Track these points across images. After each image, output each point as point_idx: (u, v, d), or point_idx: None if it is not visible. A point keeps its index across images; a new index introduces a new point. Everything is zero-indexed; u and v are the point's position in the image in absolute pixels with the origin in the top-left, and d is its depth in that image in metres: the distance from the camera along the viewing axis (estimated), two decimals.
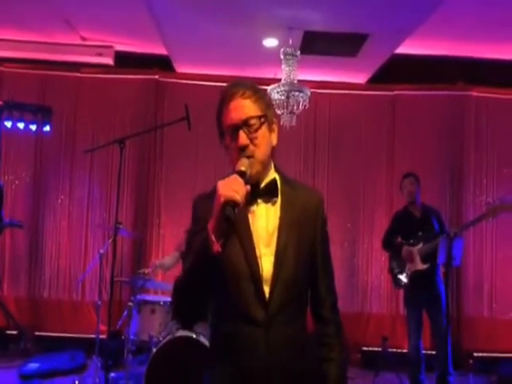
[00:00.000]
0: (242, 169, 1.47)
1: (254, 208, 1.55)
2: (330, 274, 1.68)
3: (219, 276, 1.46)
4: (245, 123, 1.52)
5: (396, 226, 4.66)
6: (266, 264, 1.51)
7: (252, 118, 1.52)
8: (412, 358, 4.44)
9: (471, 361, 5.46)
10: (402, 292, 5.97)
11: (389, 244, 4.69)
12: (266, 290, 1.49)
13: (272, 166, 1.62)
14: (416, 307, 4.45)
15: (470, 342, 5.43)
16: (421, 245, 4.40)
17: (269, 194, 1.57)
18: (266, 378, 1.47)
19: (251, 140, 1.52)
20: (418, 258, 4.42)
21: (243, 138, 1.51)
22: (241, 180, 1.43)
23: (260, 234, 1.54)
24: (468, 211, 5.78)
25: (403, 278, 4.58)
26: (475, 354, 5.57)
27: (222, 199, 1.37)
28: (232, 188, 1.39)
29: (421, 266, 4.41)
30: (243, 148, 1.51)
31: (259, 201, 1.56)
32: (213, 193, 1.57)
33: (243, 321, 1.48)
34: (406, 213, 4.60)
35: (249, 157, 1.51)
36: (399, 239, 4.59)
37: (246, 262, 1.50)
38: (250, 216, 1.54)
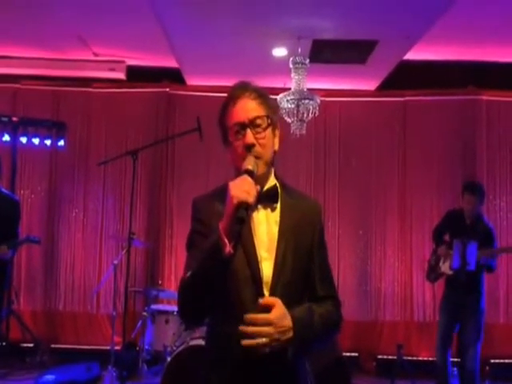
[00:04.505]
0: (250, 167, 1.48)
1: (254, 213, 1.55)
2: (328, 278, 1.67)
3: (223, 271, 1.45)
4: (252, 122, 1.54)
5: (446, 223, 4.57)
6: (266, 268, 1.52)
7: (259, 117, 1.55)
8: (437, 365, 4.36)
9: (488, 367, 5.38)
10: (415, 298, 5.90)
11: (435, 238, 4.62)
12: (266, 293, 1.50)
13: (272, 172, 1.64)
14: (447, 312, 4.34)
15: (487, 348, 5.33)
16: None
17: (269, 199, 1.58)
18: (264, 380, 1.48)
19: (257, 140, 1.54)
20: (448, 262, 4.36)
21: (250, 136, 1.53)
22: (251, 180, 1.43)
23: (261, 239, 1.55)
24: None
25: (433, 274, 4.55)
26: (492, 361, 5.49)
27: (235, 201, 1.38)
28: (244, 189, 1.39)
29: (448, 271, 4.36)
30: (249, 147, 1.53)
31: (259, 206, 1.56)
32: (214, 194, 1.60)
33: (242, 323, 1.46)
34: (459, 215, 4.46)
35: (255, 157, 1.53)
36: (447, 237, 4.51)
37: (247, 265, 1.51)
38: (251, 221, 1.55)
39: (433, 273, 4.56)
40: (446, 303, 4.41)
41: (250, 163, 1.49)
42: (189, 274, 1.48)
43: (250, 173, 1.47)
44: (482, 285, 4.30)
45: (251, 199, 1.39)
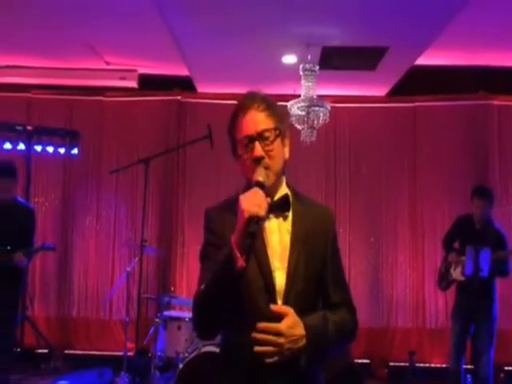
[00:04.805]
0: (260, 179, 1.49)
1: (266, 223, 1.55)
2: (342, 285, 1.68)
3: (236, 284, 1.46)
4: (260, 135, 1.55)
5: (456, 230, 4.56)
6: (279, 277, 1.53)
7: (267, 130, 1.55)
8: (450, 373, 4.34)
9: (502, 375, 5.33)
10: (427, 304, 5.86)
11: (445, 245, 4.61)
12: (279, 302, 1.51)
13: (284, 180, 1.64)
14: (461, 320, 4.33)
15: (501, 355, 5.28)
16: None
17: (281, 208, 1.59)
18: None
19: (266, 152, 1.55)
20: (459, 269, 4.35)
21: (259, 149, 1.54)
22: (262, 193, 1.44)
23: (274, 249, 1.56)
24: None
25: (445, 282, 4.54)
26: (506, 368, 5.45)
27: (246, 215, 1.39)
28: (255, 203, 1.40)
29: (459, 277, 4.34)
30: (259, 160, 1.54)
31: (271, 215, 1.56)
32: (226, 205, 1.62)
33: (255, 332, 1.47)
34: (468, 220, 4.45)
35: (265, 168, 1.54)
36: (457, 244, 4.50)
37: (260, 275, 1.52)
38: (263, 231, 1.55)
39: (444, 280, 4.54)
40: (458, 310, 4.39)
41: (260, 175, 1.50)
42: (202, 287, 1.50)
43: (261, 185, 1.47)
44: (495, 291, 4.27)
45: (262, 213, 1.40)
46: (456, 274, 4.38)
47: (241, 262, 1.40)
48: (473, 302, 4.23)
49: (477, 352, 4.25)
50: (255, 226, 1.38)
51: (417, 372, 4.86)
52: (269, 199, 1.48)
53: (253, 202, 1.41)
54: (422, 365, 5.37)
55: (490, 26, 4.79)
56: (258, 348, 1.41)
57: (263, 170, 1.52)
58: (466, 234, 4.40)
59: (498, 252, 4.17)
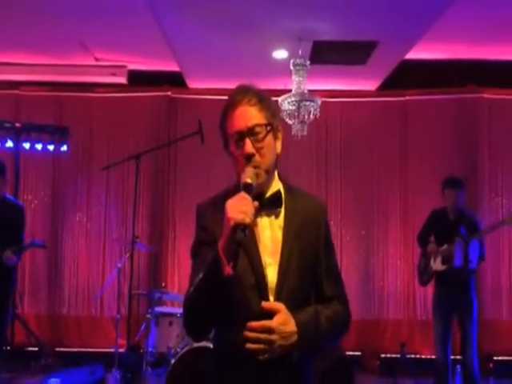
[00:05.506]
0: (248, 181, 1.46)
1: (258, 219, 1.52)
2: (335, 277, 1.66)
3: (225, 286, 1.44)
4: (250, 131, 1.50)
5: (430, 224, 4.57)
6: (271, 274, 1.51)
7: (258, 126, 1.51)
8: (438, 364, 4.36)
9: (491, 364, 5.37)
10: (418, 296, 5.89)
11: (421, 241, 4.63)
12: (271, 299, 1.50)
13: (276, 174, 1.61)
14: (443, 311, 4.34)
15: (490, 345, 5.35)
16: (445, 246, 4.35)
17: (273, 205, 1.56)
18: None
19: (257, 149, 1.51)
20: (439, 259, 4.37)
21: (249, 146, 1.50)
22: (248, 198, 1.41)
23: (265, 245, 1.54)
24: (484, 214, 5.72)
25: (426, 276, 4.55)
26: (495, 358, 5.49)
27: (232, 223, 1.36)
28: (240, 210, 1.37)
29: (440, 267, 4.36)
30: (249, 157, 1.50)
31: (262, 213, 1.54)
32: (217, 201, 1.57)
33: (247, 329, 1.46)
34: (442, 213, 4.48)
35: (255, 167, 1.50)
36: (432, 238, 4.52)
37: (252, 271, 1.50)
38: (255, 227, 1.51)
39: (425, 275, 4.54)
40: (439, 301, 4.38)
41: (248, 175, 1.47)
42: (192, 289, 1.49)
43: (249, 187, 1.44)
44: (474, 280, 4.32)
45: (248, 220, 1.36)
46: (436, 265, 4.39)
47: (228, 270, 1.38)
48: (455, 294, 4.25)
49: (463, 343, 4.29)
50: (241, 233, 1.35)
51: (408, 363, 4.88)
52: (256, 203, 1.44)
53: (239, 208, 1.37)
54: (413, 356, 5.41)
55: (480, 19, 4.82)
56: (249, 345, 1.41)
57: (252, 170, 1.49)
58: (440, 226, 4.43)
59: (475, 234, 4.22)
